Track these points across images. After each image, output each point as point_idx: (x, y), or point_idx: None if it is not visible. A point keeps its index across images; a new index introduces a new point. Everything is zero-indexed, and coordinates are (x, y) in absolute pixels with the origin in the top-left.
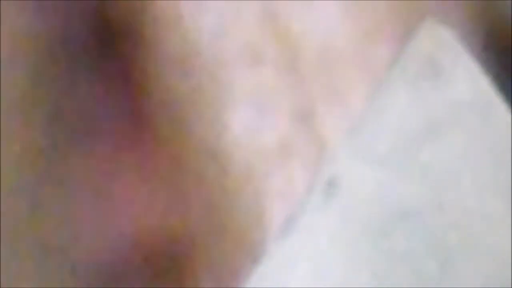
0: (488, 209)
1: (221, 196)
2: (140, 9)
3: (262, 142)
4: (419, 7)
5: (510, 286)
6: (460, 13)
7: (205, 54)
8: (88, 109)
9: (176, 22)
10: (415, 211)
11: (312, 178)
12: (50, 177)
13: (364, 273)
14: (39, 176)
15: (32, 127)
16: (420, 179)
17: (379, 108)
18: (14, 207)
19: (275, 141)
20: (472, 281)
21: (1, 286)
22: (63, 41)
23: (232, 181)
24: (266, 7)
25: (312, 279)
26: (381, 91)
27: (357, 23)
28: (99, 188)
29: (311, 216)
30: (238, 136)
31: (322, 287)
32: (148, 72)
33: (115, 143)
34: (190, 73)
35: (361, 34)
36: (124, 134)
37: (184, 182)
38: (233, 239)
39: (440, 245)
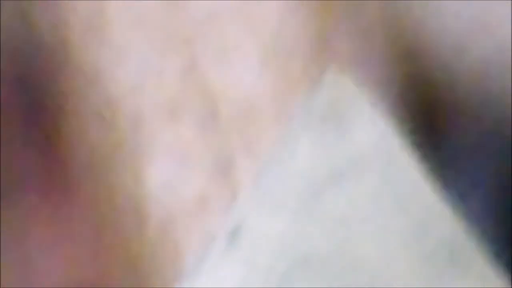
0: (390, 257)
1: (140, 249)
2: (60, 62)
3: (181, 195)
4: (338, 59)
5: None
6: (376, 67)
7: (126, 107)
8: (10, 163)
9: (96, 74)
10: (317, 259)
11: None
12: None
13: None
14: None
15: None
16: (322, 227)
17: (283, 156)
18: None
19: (194, 195)
20: None
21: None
22: None
23: (151, 234)
24: (186, 61)
25: None
26: (285, 140)
27: (276, 77)
28: (19, 242)
29: (215, 265)
30: (158, 189)
31: None
32: (68, 125)
33: (37, 197)
34: (111, 126)
35: (280, 87)
36: (45, 188)
37: (104, 234)
38: None
39: None
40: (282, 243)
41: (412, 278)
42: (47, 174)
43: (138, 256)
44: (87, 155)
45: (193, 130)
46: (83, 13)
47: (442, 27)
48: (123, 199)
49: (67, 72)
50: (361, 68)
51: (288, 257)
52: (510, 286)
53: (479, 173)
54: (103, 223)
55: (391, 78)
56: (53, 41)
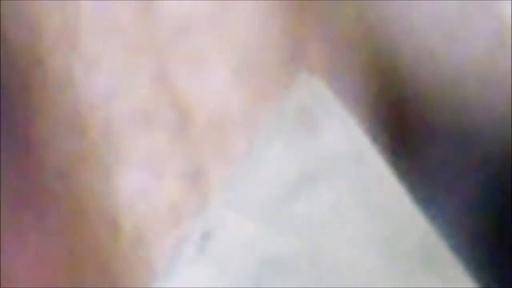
0: (363, 260)
1: (112, 258)
2: (31, 71)
3: (153, 204)
4: (310, 68)
5: None
6: (349, 74)
7: (98, 116)
8: None
9: (68, 83)
10: (289, 262)
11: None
12: None
13: None
14: None
15: None
16: (294, 230)
17: (255, 159)
18: None
19: (166, 203)
20: None
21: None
22: None
23: (123, 243)
24: (158, 70)
25: None
26: (257, 143)
27: (247, 86)
28: None
29: (184, 268)
30: (129, 198)
31: None
32: (40, 133)
33: (6, 205)
34: (83, 135)
35: (251, 96)
36: (17, 197)
37: (76, 244)
38: None
39: None
40: (252, 247)
41: (384, 279)
42: (18, 182)
43: (111, 264)
44: (58, 163)
45: (164, 139)
46: (55, 21)
47: (417, 34)
48: (95, 207)
49: (39, 80)
50: (334, 75)
51: (258, 260)
52: None
53: (452, 181)
54: (75, 231)
55: (363, 85)
56: (25, 49)
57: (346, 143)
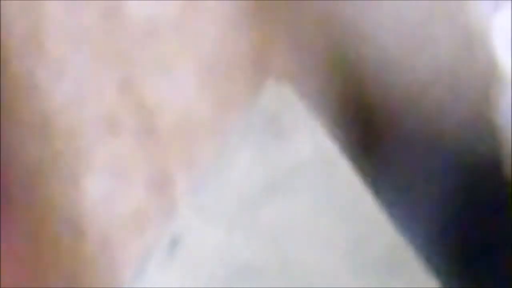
0: (328, 267)
1: (77, 265)
2: None
3: (118, 210)
4: (277, 73)
5: None
6: (315, 80)
7: (62, 121)
8: None
9: (33, 88)
10: (256, 269)
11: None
12: None
13: None
14: None
15: None
16: (262, 237)
17: (223, 167)
18: None
19: (131, 209)
20: None
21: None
22: None
23: (88, 249)
24: (123, 76)
25: None
26: (225, 150)
27: (214, 91)
28: None
29: (152, 274)
30: (95, 204)
31: None
32: (5, 139)
33: None
34: (47, 141)
35: (218, 102)
36: None
37: (40, 250)
38: None
39: None
40: (220, 253)
41: (352, 285)
42: None
43: (75, 271)
44: (23, 169)
45: (130, 145)
46: (20, 25)
47: (383, 41)
48: (60, 214)
49: (3, 85)
50: (300, 81)
51: (227, 267)
52: None
53: (419, 187)
54: (39, 238)
55: (329, 91)
56: None
57: (314, 149)
